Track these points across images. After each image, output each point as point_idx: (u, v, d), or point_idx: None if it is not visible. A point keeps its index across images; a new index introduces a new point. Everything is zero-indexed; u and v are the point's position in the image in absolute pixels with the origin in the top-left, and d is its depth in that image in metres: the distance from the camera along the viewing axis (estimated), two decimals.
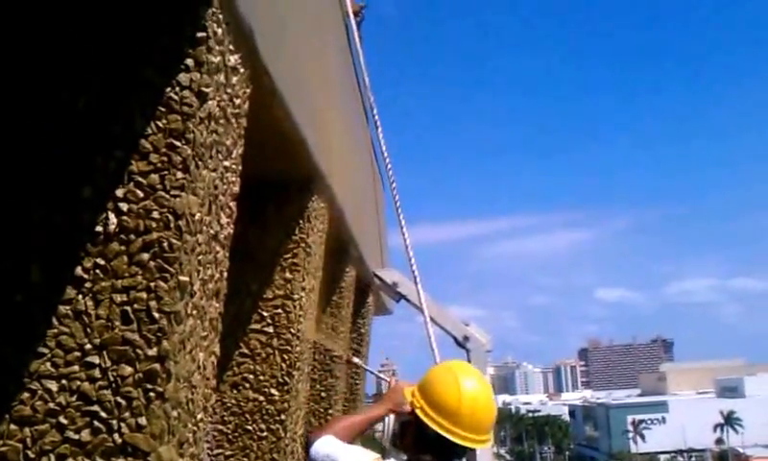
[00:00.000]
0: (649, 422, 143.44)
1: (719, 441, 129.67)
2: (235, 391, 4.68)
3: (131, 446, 2.21)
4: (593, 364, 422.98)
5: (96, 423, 2.24)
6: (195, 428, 2.56)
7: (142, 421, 2.24)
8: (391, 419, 3.39)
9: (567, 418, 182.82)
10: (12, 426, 2.21)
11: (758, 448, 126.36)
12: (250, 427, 4.60)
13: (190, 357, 2.51)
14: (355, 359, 6.33)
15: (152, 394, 2.28)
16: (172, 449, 2.32)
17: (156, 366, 2.30)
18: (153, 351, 2.32)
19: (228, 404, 4.68)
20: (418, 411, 3.21)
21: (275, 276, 4.82)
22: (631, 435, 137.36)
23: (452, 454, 3.24)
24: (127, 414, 2.24)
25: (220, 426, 4.67)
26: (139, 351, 2.32)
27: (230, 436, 4.64)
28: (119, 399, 2.27)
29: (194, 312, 2.53)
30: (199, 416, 2.62)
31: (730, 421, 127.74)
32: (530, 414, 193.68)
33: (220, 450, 4.63)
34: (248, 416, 4.60)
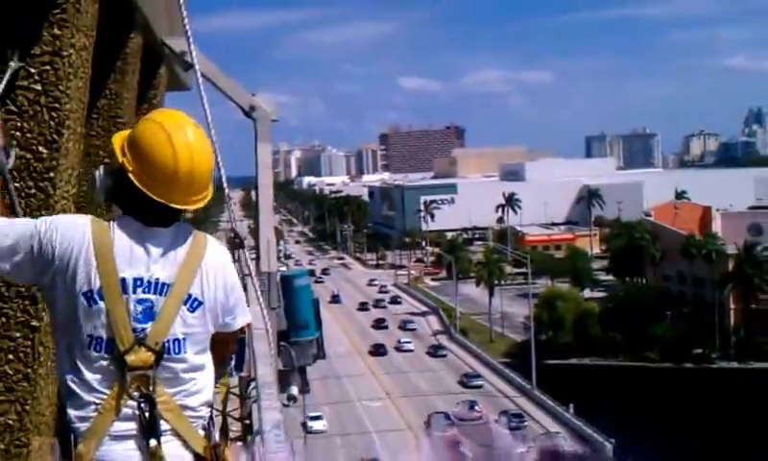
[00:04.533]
0: (440, 202, 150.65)
1: (500, 220, 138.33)
2: None
3: None
4: (392, 148, 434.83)
5: None
6: None
7: None
8: (100, 172, 3.03)
9: (367, 198, 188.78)
10: None
11: (534, 227, 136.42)
12: (18, 185, 4.39)
13: None
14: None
15: None
16: None
17: None
18: None
19: None
20: (131, 175, 2.87)
21: (42, 32, 4.51)
22: (422, 214, 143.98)
23: (173, 216, 2.99)
24: None
25: None
26: None
27: None
28: None
29: None
30: None
31: (510, 202, 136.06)
32: (333, 195, 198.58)
33: None
34: (15, 173, 4.39)
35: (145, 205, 2.90)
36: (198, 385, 3.01)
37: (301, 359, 6.60)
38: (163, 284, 2.91)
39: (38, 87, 4.47)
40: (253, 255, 9.35)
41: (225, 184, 6.08)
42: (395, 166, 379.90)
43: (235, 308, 3.11)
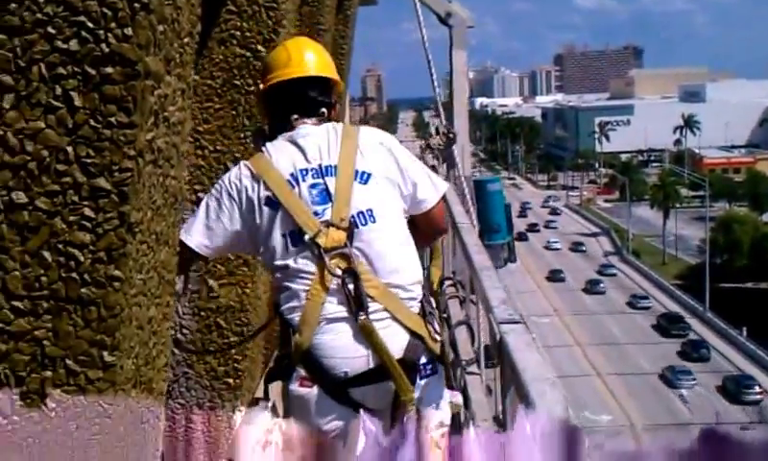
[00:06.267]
0: (615, 123, 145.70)
1: (677, 142, 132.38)
2: (223, 47, 4.58)
3: (118, 54, 2.13)
4: (567, 69, 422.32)
5: (83, 33, 2.14)
6: (182, 50, 2.49)
7: (128, 31, 2.15)
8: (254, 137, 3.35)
9: (539, 120, 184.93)
10: (1, 36, 2.10)
11: (712, 150, 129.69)
12: (237, 82, 4.56)
13: None
14: None
15: (137, 5, 2.17)
16: (159, 63, 2.26)
17: None
18: None
19: (217, 60, 4.60)
20: (261, 85, 3.26)
21: None
22: (597, 136, 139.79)
23: (313, 104, 3.16)
24: (113, 24, 2.13)
25: (209, 81, 4.62)
26: None
27: (219, 90, 4.61)
28: (105, 9, 2.16)
29: None
30: (185, 39, 2.53)
31: (689, 123, 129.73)
32: (505, 116, 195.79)
33: (209, 104, 4.61)
34: (235, 71, 4.54)
35: (287, 106, 3.14)
36: (396, 262, 2.97)
37: (494, 262, 6.57)
38: (327, 166, 2.96)
39: None
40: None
41: (435, 83, 6.04)
42: (569, 88, 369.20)
43: (418, 183, 3.10)
